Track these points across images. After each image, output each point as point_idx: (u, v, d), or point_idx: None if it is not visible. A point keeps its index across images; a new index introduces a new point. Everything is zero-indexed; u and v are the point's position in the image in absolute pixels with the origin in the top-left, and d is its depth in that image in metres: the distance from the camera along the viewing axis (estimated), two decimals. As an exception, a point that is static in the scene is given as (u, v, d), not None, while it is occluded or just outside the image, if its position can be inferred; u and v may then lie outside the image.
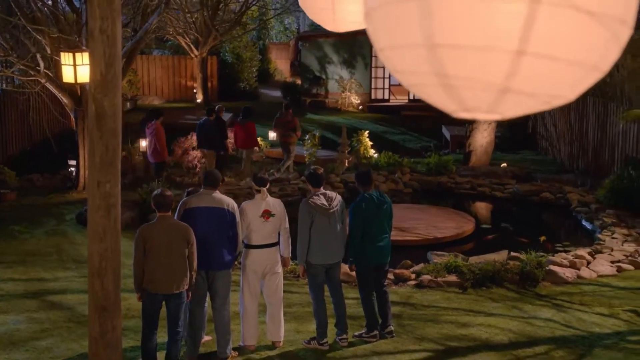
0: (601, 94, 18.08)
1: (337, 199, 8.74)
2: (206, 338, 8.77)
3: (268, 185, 8.77)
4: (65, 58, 9.06)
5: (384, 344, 8.98)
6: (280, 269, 8.81)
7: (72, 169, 17.87)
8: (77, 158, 17.32)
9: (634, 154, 15.56)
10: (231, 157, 19.59)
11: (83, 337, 8.99)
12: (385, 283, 9.25)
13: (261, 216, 8.57)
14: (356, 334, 9.14)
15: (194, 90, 29.65)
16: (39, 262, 12.21)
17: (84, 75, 8.37)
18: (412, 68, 1.52)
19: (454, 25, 1.42)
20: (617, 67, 17.06)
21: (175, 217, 8.18)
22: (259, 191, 8.68)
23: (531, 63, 1.43)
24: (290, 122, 19.05)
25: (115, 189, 5.57)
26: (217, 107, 19.20)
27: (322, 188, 8.76)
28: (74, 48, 13.73)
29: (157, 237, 7.73)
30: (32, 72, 16.17)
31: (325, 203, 8.61)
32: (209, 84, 30.14)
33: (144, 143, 17.50)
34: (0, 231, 14.01)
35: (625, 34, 1.51)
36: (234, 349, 8.64)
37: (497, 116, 1.57)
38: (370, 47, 31.58)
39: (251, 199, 8.92)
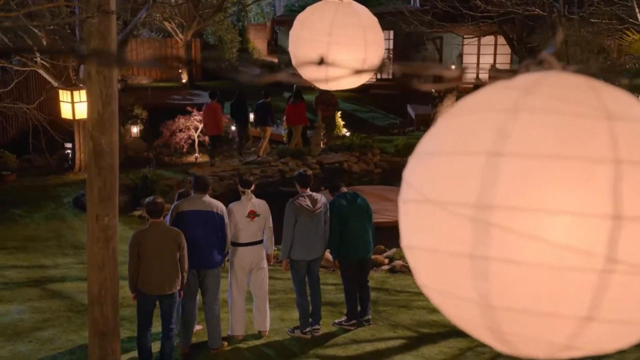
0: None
1: (322, 200, 8.53)
2: (197, 327, 8.56)
3: (253, 187, 8.50)
4: (64, 95, 8.67)
5: (362, 332, 8.79)
6: (265, 265, 8.61)
7: (69, 151, 17.43)
8: (72, 141, 16.92)
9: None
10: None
11: (82, 327, 8.73)
12: (367, 278, 9.03)
13: (247, 216, 8.35)
14: (336, 321, 8.95)
15: (179, 71, 29.08)
16: (39, 248, 11.87)
17: (81, 112, 7.97)
18: (462, 315, 1.26)
19: (514, 289, 1.16)
20: (567, 58, 16.83)
21: (168, 220, 7.95)
22: (244, 192, 8.43)
23: (599, 327, 1.17)
24: (331, 99, 19.74)
25: (114, 221, 5.27)
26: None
27: (308, 189, 8.53)
28: (70, 42, 13.27)
29: (150, 242, 7.48)
30: (30, 63, 15.67)
31: (310, 205, 8.40)
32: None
33: (134, 129, 17.13)
34: (2, 215, 13.63)
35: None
36: (224, 338, 8.45)
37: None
38: (341, 30, 31.19)
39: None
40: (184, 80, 28.14)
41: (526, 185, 1.17)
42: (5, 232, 12.66)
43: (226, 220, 8.11)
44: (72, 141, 16.86)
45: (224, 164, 17.63)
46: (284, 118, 19.77)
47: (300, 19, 3.76)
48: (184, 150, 18.41)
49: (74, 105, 8.71)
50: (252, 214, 8.36)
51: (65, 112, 8.57)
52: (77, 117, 8.17)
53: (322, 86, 3.83)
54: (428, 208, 1.25)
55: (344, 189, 8.91)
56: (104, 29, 4.69)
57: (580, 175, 1.15)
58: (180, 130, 18.46)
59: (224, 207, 8.17)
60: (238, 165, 17.24)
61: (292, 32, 3.79)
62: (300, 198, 8.45)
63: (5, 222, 13.25)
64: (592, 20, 11.95)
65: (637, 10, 10.25)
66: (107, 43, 4.72)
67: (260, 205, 8.47)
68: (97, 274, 5.30)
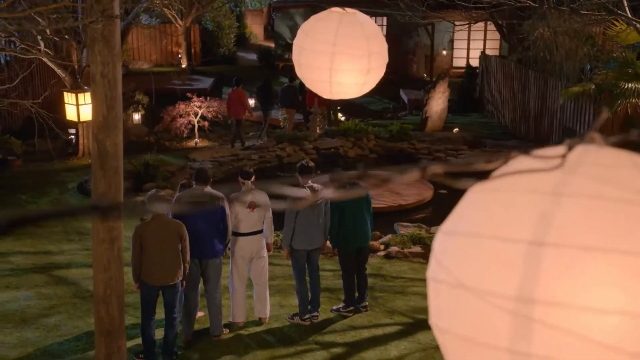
0: (542, 70, 17.73)
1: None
2: (199, 314, 8.48)
3: (253, 178, 8.38)
4: (69, 98, 8.46)
5: (360, 318, 8.72)
6: (265, 254, 8.53)
7: (72, 136, 17.23)
8: (75, 126, 16.72)
9: (570, 125, 15.31)
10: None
11: (87, 314, 8.64)
12: (365, 266, 8.93)
13: (248, 207, 8.24)
14: (334, 308, 8.88)
15: (179, 56, 28.80)
16: (45, 234, 11.72)
17: (86, 114, 7.71)
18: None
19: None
20: (556, 46, 16.69)
21: (171, 212, 7.84)
22: (244, 184, 8.32)
23: None
24: None
25: (118, 222, 5.16)
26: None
27: (310, 181, 8.41)
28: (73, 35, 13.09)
29: (152, 234, 7.39)
30: (34, 51, 15.44)
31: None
32: (192, 50, 29.36)
33: (136, 116, 16.99)
34: (10, 200, 13.47)
35: None
36: (225, 325, 8.39)
37: None
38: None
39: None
40: (183, 65, 27.87)
41: (571, 279, 1.05)
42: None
43: (227, 211, 8.02)
44: (76, 127, 16.67)
45: (223, 149, 17.47)
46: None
47: (304, 28, 3.64)
48: (185, 135, 18.28)
49: (78, 107, 8.53)
50: (253, 205, 8.26)
51: (70, 114, 8.36)
52: (82, 119, 7.97)
53: (326, 96, 3.71)
54: (462, 294, 1.14)
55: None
56: (108, 33, 4.54)
57: (629, 271, 1.05)
58: (181, 116, 18.29)
59: (225, 199, 8.06)
60: (237, 151, 17.10)
61: (296, 42, 3.66)
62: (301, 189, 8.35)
63: (13, 207, 13.09)
64: (581, 12, 11.80)
65: (625, 3, 10.11)
66: (111, 47, 4.58)
67: (260, 196, 8.36)
68: (103, 274, 5.19)
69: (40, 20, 13.74)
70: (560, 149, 1.17)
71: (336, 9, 3.60)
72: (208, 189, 8.01)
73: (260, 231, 8.40)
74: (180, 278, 7.59)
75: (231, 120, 18.26)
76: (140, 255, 7.39)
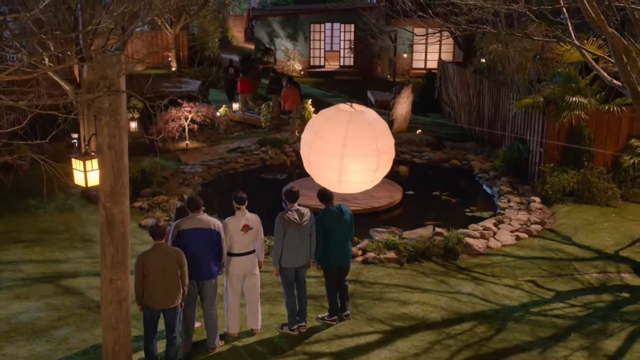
0: (495, 80, 17.40)
1: (308, 214, 8.01)
2: (197, 324, 8.07)
3: (246, 203, 7.95)
4: (76, 164, 7.89)
5: (343, 327, 8.36)
6: (257, 271, 8.13)
7: (75, 140, 16.58)
8: (78, 131, 16.06)
9: (521, 132, 15.01)
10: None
11: (94, 325, 8.21)
12: (346, 278, 8.56)
13: (241, 230, 7.84)
14: (319, 316, 8.52)
15: (169, 59, 28.06)
16: (52, 241, 11.15)
17: (94, 179, 7.18)
18: None
19: None
20: (507, 60, 16.37)
21: (170, 238, 7.41)
22: (239, 208, 7.89)
23: None
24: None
25: (126, 284, 4.72)
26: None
27: (296, 204, 7.99)
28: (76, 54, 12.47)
29: (154, 262, 6.95)
30: (40, 66, 14.71)
31: (297, 218, 7.91)
32: (181, 54, 28.61)
33: (132, 125, 16.32)
34: (19, 205, 12.87)
35: None
36: (220, 336, 7.99)
37: None
38: (309, 23, 30.27)
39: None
40: (173, 68, 27.12)
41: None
42: (23, 224, 11.91)
43: (222, 235, 7.63)
44: (78, 131, 16.02)
45: (212, 151, 16.95)
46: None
47: (313, 127, 3.25)
48: (176, 137, 17.72)
49: (86, 173, 7.97)
50: (246, 228, 7.87)
51: (78, 179, 7.82)
52: (90, 184, 7.44)
53: (334, 190, 3.30)
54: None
55: (333, 204, 8.27)
56: (115, 107, 4.08)
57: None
58: (173, 120, 17.70)
59: (220, 224, 7.67)
60: (225, 154, 16.60)
61: (305, 139, 3.26)
62: (288, 212, 7.96)
63: (22, 212, 12.50)
64: (533, 37, 11.50)
65: (570, 29, 9.88)
66: (117, 120, 4.12)
67: (252, 219, 7.97)
68: (112, 333, 4.76)
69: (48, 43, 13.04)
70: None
71: (344, 107, 3.18)
72: (205, 215, 7.61)
73: (253, 251, 8.01)
74: (180, 301, 7.20)
75: (287, 111, 19.53)
76: (142, 281, 6.97)
